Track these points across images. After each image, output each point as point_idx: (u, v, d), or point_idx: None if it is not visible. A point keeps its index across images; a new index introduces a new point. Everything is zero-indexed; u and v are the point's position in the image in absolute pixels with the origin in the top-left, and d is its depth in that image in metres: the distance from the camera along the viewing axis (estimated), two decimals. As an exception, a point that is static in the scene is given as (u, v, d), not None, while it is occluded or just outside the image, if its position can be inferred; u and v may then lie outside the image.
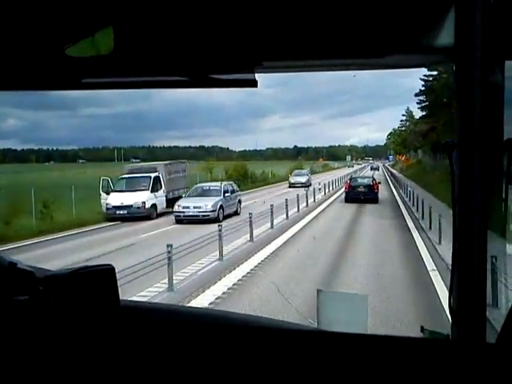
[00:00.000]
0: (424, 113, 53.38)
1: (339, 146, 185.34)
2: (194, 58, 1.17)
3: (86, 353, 1.17)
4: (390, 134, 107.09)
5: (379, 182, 28.07)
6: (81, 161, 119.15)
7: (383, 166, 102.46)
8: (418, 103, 51.65)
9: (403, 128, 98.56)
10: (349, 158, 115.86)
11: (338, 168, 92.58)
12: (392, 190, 34.57)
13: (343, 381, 1.11)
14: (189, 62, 1.17)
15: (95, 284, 1.19)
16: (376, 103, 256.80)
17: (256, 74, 1.15)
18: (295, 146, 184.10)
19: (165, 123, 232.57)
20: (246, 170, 43.05)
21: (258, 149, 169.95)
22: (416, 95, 51.37)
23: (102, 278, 1.21)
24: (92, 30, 1.07)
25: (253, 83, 1.16)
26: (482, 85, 1.06)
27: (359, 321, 1.57)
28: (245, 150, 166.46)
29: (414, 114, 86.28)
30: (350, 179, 27.82)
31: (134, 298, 7.28)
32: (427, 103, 49.06)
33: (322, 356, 1.15)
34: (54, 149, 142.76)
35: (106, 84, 1.32)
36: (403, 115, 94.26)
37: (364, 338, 1.24)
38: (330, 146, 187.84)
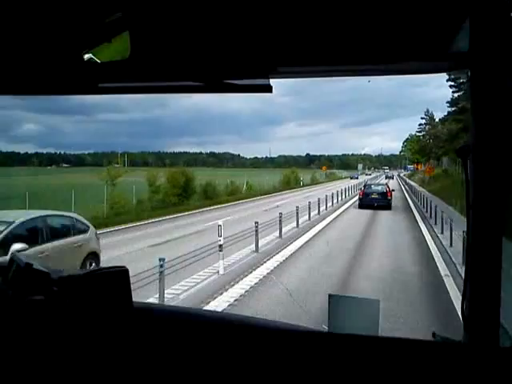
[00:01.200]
0: (453, 108, 39.95)
1: (352, 154, 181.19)
2: (210, 64, 1.17)
3: (100, 353, 1.17)
4: (405, 141, 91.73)
5: (393, 190, 27.11)
6: (64, 165, 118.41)
7: (398, 175, 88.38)
8: (451, 87, 38.59)
9: (422, 133, 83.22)
10: (360, 166, 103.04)
11: (344, 178, 78.23)
12: (419, 227, 17.49)
13: (354, 383, 1.10)
14: (204, 68, 1.17)
15: (109, 285, 1.20)
16: (391, 113, 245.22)
17: (272, 82, 1.15)
18: (307, 154, 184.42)
19: (179, 130, 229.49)
20: (190, 179, 27.91)
21: (269, 156, 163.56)
22: (448, 79, 38.08)
23: (115, 279, 1.22)
24: (109, 36, 1.11)
25: (267, 88, 1.16)
26: (497, 90, 1.06)
27: (371, 326, 1.49)
28: (256, 157, 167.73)
29: (434, 117, 72.12)
30: (364, 186, 27.11)
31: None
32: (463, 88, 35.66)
33: (333, 358, 1.15)
34: (61, 152, 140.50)
35: (123, 89, 1.32)
36: (422, 118, 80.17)
37: (375, 340, 1.23)
38: (343, 155, 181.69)
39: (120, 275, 1.22)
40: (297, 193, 37.80)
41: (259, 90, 1.17)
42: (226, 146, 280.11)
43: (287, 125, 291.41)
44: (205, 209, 24.69)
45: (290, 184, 48.47)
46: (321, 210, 22.31)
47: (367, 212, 22.17)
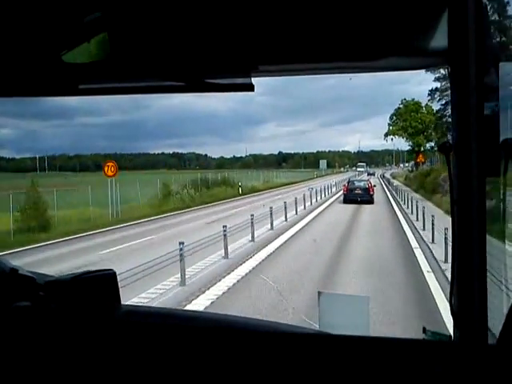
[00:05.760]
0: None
1: (329, 151, 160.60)
2: (190, 63, 1.17)
3: (87, 358, 1.17)
4: (395, 114, 51.28)
5: (374, 185, 29.22)
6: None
7: (382, 176, 49.58)
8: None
9: (437, 86, 40.30)
10: (323, 164, 74.97)
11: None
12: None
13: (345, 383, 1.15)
14: (185, 67, 1.17)
15: (96, 289, 1.18)
16: (371, 111, 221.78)
17: (253, 81, 1.15)
18: (280, 152, 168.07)
19: (155, 131, 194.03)
20: None
21: (237, 155, 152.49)
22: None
23: (103, 283, 1.20)
24: (88, 36, 1.10)
25: (249, 87, 1.15)
26: (477, 86, 1.07)
27: (361, 323, 1.49)
28: (222, 157, 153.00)
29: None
30: (348, 182, 29.34)
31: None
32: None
33: (324, 359, 1.15)
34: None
35: (103, 90, 1.30)
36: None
37: (366, 341, 1.24)
38: (318, 152, 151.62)
39: (108, 278, 1.19)
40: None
41: (241, 88, 1.16)
42: (204, 148, 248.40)
43: (267, 125, 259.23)
44: None
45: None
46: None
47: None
